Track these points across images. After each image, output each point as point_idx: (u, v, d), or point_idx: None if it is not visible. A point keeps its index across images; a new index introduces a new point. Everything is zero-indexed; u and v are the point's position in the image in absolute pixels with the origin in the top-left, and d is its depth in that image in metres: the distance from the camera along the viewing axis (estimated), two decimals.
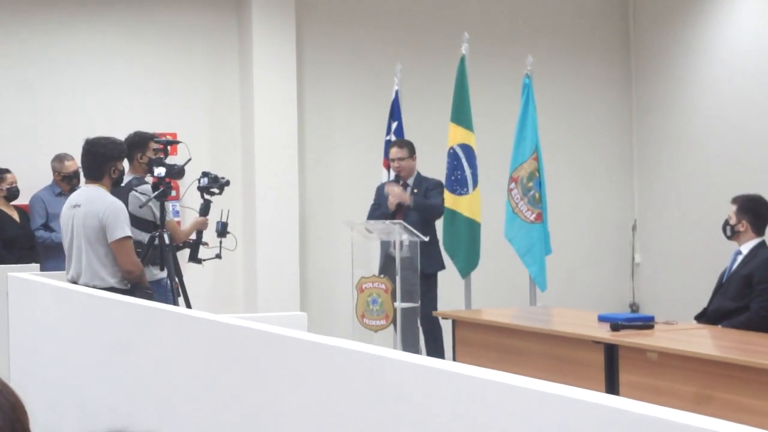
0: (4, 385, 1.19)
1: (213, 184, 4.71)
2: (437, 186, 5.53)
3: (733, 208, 4.39)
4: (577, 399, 0.88)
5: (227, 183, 4.79)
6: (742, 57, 6.54)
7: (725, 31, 6.70)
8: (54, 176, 5.72)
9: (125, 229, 4.00)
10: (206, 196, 4.74)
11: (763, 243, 4.43)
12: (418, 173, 5.54)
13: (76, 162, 5.22)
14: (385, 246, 5.43)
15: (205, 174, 4.77)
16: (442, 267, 5.52)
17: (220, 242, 4.76)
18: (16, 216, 5.74)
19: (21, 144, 6.07)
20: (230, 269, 6.34)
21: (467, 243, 5.49)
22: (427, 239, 5.05)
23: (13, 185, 5.70)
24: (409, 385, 1.22)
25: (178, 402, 2.27)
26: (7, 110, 6.09)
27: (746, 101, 6.40)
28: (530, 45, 6.47)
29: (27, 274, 3.89)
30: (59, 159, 5.71)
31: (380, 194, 5.69)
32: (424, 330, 5.38)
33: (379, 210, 5.68)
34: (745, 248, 4.39)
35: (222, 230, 4.81)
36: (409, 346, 5.25)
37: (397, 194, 5.28)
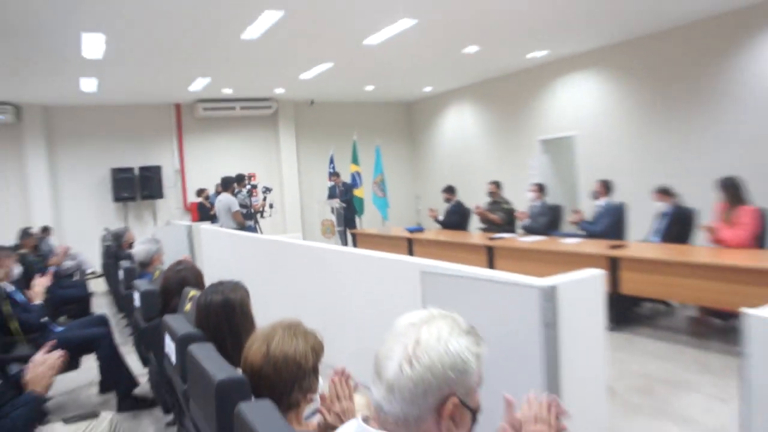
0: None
1: (268, 190, 12.87)
2: (351, 187, 13.38)
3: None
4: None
5: (271, 189, 12.92)
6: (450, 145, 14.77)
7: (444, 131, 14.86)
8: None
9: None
10: (265, 193, 12.82)
11: None
12: (343, 182, 13.49)
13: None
14: (333, 207, 13.52)
15: (265, 187, 12.88)
16: (356, 215, 12.95)
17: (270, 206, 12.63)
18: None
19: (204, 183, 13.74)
20: (275, 223, 14.03)
21: (359, 205, 13.47)
22: (345, 205, 13.10)
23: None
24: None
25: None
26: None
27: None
28: (378, 135, 14.50)
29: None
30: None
31: (332, 190, 12.76)
32: (345, 241, 13.24)
33: (330, 196, 12.84)
34: None
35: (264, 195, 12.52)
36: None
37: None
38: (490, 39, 9.39)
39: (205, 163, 13.79)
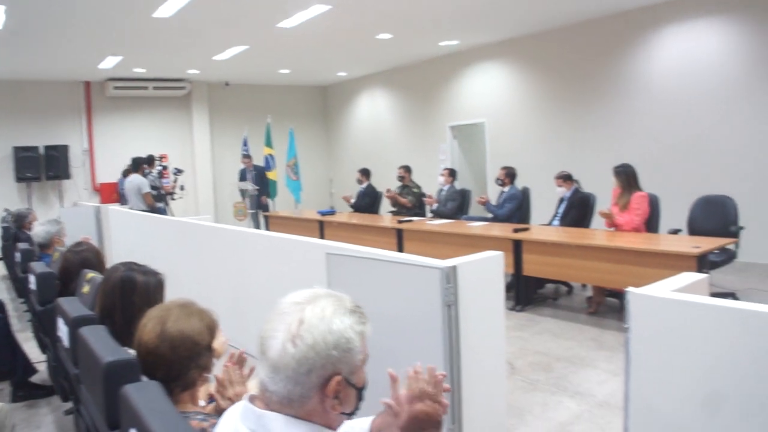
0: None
1: (179, 171, 12.52)
2: (263, 170, 12.85)
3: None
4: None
5: (182, 171, 12.58)
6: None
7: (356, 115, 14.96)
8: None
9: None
10: (177, 174, 12.47)
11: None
12: (255, 165, 13.06)
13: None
14: (244, 190, 13.33)
15: (177, 168, 12.54)
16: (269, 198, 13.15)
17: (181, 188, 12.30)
18: None
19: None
20: (187, 205, 13.71)
21: (272, 187, 13.33)
22: (258, 188, 12.89)
23: None
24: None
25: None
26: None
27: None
28: (292, 119, 14.46)
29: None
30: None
31: (242, 173, 12.19)
32: (257, 223, 13.08)
33: (241, 179, 12.32)
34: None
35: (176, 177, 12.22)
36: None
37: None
38: (403, 27, 9.42)
39: (116, 144, 13.22)
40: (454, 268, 2.33)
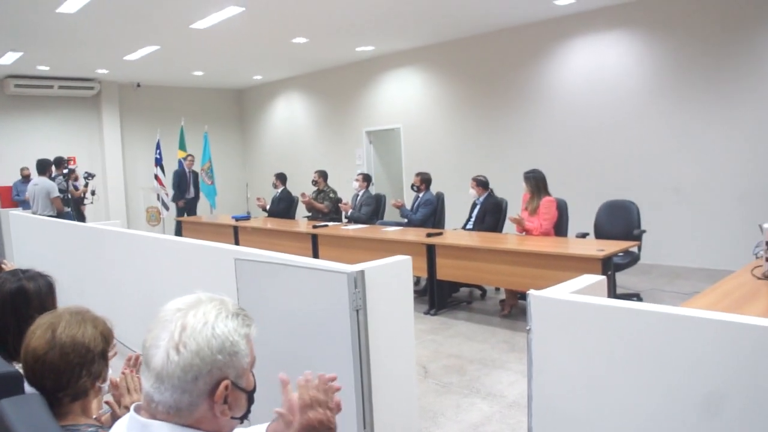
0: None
1: (90, 176, 12.07)
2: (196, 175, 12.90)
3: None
4: None
5: (94, 175, 12.15)
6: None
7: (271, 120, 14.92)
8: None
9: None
10: (87, 179, 12.02)
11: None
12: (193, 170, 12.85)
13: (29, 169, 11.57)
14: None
15: (87, 173, 12.04)
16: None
17: (92, 192, 11.87)
18: None
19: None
20: (97, 210, 13.03)
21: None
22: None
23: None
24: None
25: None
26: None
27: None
28: (207, 122, 14.01)
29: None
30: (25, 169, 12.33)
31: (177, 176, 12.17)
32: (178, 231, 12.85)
33: (177, 184, 11.82)
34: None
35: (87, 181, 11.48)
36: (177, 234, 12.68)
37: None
38: (318, 31, 9.40)
39: (17, 145, 12.57)
40: (361, 273, 2.33)
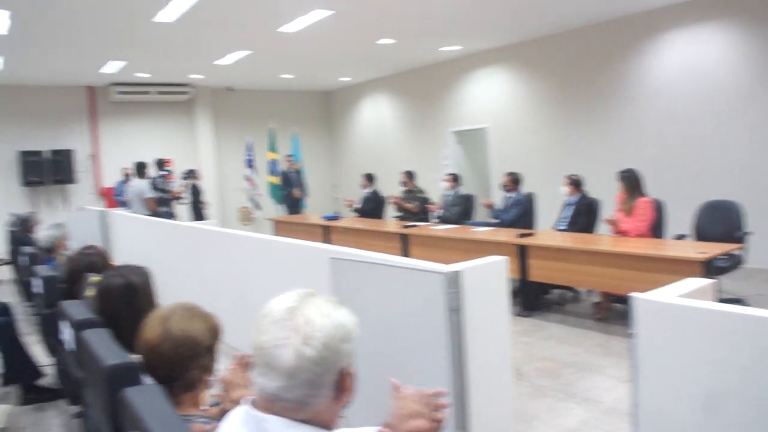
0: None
1: (189, 174, 12.39)
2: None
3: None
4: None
5: (193, 172, 12.47)
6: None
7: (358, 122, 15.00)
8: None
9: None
10: (187, 179, 12.34)
11: None
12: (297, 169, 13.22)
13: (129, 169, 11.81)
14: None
15: (186, 172, 12.42)
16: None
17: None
18: None
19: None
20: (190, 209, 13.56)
21: (276, 192, 13.20)
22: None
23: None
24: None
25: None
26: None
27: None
28: (296, 124, 14.54)
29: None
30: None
31: (285, 175, 12.20)
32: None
33: (285, 182, 12.32)
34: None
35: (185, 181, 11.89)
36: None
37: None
38: (405, 32, 9.42)
39: (120, 148, 13.20)
40: (458, 273, 2.31)
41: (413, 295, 2.46)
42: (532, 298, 6.56)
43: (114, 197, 12.10)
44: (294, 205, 12.03)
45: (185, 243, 6.11)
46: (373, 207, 9.74)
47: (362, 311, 2.69)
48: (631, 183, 6.28)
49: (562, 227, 7.06)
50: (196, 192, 11.66)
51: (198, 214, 11.43)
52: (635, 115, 9.11)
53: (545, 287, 6.83)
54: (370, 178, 9.95)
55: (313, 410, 1.29)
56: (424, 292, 2.40)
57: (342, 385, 1.32)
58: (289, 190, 11.95)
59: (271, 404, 1.29)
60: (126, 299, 2.31)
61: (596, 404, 4.18)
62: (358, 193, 10.35)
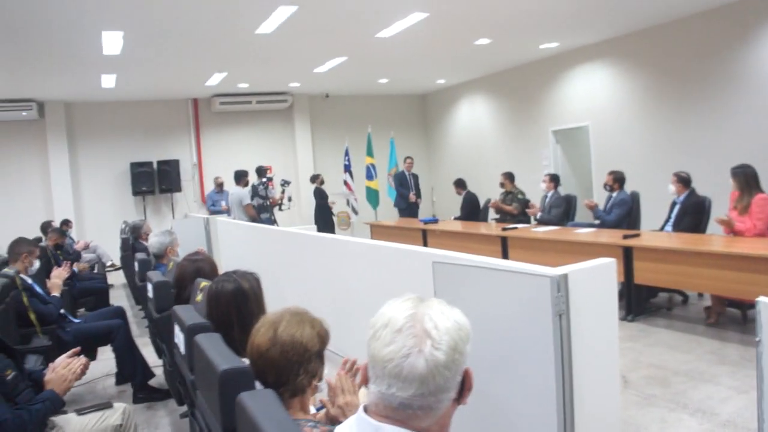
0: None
1: (286, 183, 12.72)
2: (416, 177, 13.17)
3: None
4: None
5: (290, 182, 12.75)
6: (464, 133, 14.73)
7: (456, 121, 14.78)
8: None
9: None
10: (284, 186, 12.62)
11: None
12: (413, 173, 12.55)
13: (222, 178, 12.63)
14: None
15: (284, 180, 12.72)
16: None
17: (288, 199, 12.49)
18: None
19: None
20: (291, 215, 13.42)
21: (373, 197, 13.20)
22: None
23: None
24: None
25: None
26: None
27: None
28: (392, 128, 14.29)
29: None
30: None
31: (400, 178, 11.84)
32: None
33: (400, 184, 11.79)
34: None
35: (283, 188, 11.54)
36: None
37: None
38: (501, 31, 9.29)
39: (222, 157, 13.73)
40: (565, 277, 2.23)
41: (517, 299, 2.39)
42: (638, 301, 6.31)
43: (207, 207, 12.48)
44: (410, 208, 11.88)
45: (285, 248, 6.23)
46: (470, 210, 9.68)
47: (466, 315, 2.66)
48: (746, 179, 5.94)
49: (669, 228, 6.76)
50: (322, 195, 12.11)
51: (325, 219, 11.85)
52: (746, 107, 8.58)
53: (652, 290, 6.56)
54: (460, 184, 9.93)
55: (437, 415, 1.29)
56: (529, 296, 2.33)
57: (465, 385, 1.32)
58: (407, 194, 11.86)
59: (395, 413, 1.28)
60: (236, 304, 2.37)
61: (711, 416, 3.95)
62: (455, 197, 10.28)
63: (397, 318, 1.30)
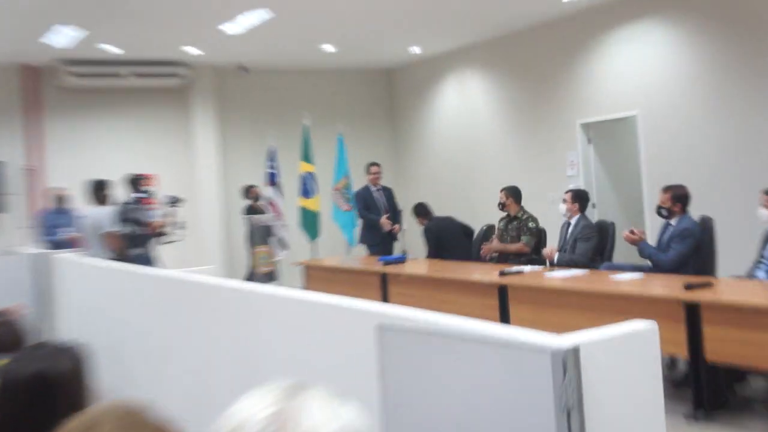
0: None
1: (176, 201, 12.22)
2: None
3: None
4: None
5: (181, 200, 11.95)
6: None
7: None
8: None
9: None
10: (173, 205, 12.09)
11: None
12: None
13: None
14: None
15: (173, 197, 11.47)
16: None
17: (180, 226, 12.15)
18: None
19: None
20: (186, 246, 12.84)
21: (311, 223, 13.13)
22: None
23: None
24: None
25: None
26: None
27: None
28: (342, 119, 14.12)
29: None
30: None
31: (363, 197, 11.86)
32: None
33: (365, 207, 11.75)
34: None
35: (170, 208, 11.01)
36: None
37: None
38: None
39: (75, 158, 13.35)
40: (575, 351, 2.17)
41: (504, 384, 2.34)
42: (713, 390, 6.28)
43: (40, 237, 11.48)
44: (385, 243, 11.69)
45: (169, 301, 6.14)
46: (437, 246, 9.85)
47: (424, 410, 2.58)
48: None
49: (763, 274, 6.79)
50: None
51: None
52: None
53: (737, 373, 6.54)
54: (422, 211, 10.29)
55: None
56: (521, 381, 2.28)
57: None
58: (376, 219, 11.73)
59: None
60: (30, 399, 2.25)
61: None
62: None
63: (251, 420, 1.22)
